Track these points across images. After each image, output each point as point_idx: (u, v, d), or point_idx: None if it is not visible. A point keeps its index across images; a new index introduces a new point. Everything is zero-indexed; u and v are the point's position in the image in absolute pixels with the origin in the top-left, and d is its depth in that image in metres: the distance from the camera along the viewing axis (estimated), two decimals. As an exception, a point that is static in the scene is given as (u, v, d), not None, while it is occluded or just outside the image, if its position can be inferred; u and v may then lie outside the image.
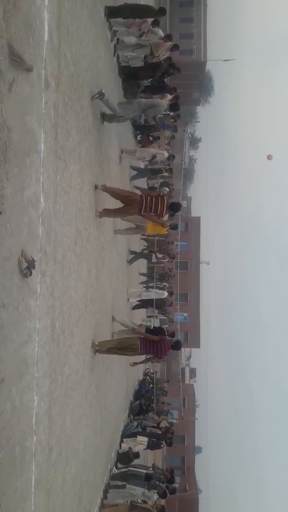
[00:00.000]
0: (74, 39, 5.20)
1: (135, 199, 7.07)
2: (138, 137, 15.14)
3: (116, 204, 7.33)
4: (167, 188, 24.84)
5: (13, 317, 3.19)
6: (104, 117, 7.31)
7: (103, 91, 6.51)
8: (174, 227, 15.82)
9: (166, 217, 8.20)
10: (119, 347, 7.00)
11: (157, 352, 7.05)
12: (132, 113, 7.89)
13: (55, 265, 4.38)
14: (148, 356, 8.22)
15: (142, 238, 14.13)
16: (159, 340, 7.09)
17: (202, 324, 46.91)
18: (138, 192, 9.58)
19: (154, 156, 12.75)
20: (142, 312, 16.46)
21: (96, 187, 6.52)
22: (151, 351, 7.10)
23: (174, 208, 7.52)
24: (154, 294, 14.63)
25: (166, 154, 12.91)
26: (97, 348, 6.63)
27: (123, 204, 7.22)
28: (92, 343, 6.47)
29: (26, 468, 3.54)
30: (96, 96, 6.41)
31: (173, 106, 9.07)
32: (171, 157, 16.47)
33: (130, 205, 7.06)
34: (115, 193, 7.12)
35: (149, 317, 16.23)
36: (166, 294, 15.39)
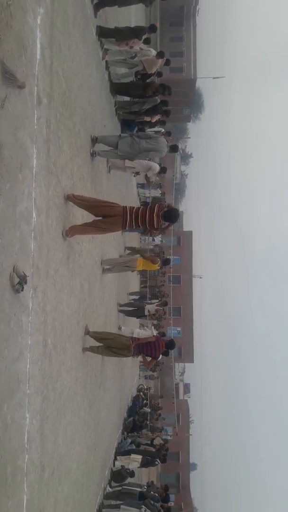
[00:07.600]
0: (66, 57, 5.27)
1: (117, 210, 5.43)
2: None
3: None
4: (159, 190, 24.62)
5: (4, 333, 3.16)
6: (95, 141, 7.09)
7: (96, 136, 7.02)
8: (165, 261, 15.07)
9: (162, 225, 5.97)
10: (109, 345, 6.96)
11: (151, 352, 7.03)
12: (130, 153, 7.70)
13: (47, 280, 4.36)
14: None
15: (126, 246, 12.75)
16: (155, 340, 7.12)
17: (196, 339, 46.77)
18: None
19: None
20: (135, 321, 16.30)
21: (64, 196, 5.05)
22: (145, 352, 7.07)
23: (170, 216, 5.59)
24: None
25: (157, 168, 12.11)
26: (89, 331, 6.60)
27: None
28: (86, 328, 6.50)
29: (17, 488, 3.47)
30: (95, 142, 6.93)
31: (173, 148, 9.09)
32: (163, 169, 15.50)
33: (110, 217, 5.43)
34: (87, 203, 5.43)
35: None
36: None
